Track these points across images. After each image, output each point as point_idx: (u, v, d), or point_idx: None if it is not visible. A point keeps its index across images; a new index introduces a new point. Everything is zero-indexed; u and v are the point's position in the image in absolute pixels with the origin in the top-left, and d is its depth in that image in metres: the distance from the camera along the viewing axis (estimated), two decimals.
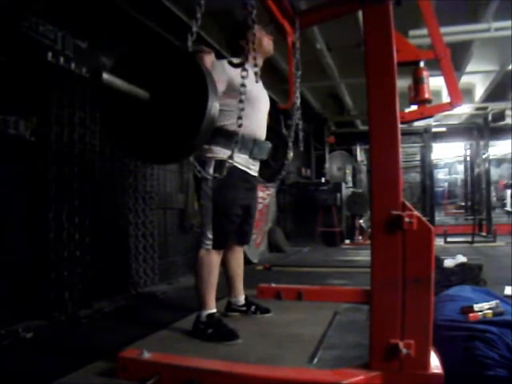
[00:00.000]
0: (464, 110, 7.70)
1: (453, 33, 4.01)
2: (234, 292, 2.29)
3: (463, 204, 13.45)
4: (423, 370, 1.32)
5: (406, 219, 1.33)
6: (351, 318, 2.21)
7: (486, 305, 1.62)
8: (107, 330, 2.35)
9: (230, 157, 1.68)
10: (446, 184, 17.20)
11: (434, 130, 8.97)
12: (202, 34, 3.67)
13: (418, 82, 2.58)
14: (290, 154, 2.26)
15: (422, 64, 2.56)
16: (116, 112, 1.45)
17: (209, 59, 2.06)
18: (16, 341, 2.09)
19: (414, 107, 2.65)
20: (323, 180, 7.82)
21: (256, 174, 2.14)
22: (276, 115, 2.50)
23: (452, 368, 1.35)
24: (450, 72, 2.57)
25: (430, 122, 8.31)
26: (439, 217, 11.35)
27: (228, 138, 1.87)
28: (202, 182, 1.96)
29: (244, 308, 2.28)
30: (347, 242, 7.29)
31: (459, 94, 2.59)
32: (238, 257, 2.29)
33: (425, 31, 2.85)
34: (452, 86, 2.59)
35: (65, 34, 2.64)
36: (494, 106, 7.54)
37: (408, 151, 12.27)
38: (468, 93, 6.95)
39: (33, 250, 2.46)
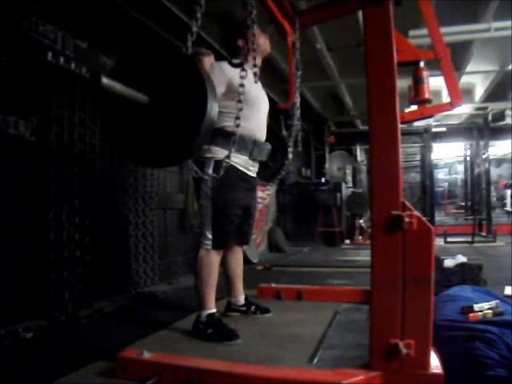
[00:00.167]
0: (464, 110, 7.69)
1: (453, 33, 4.01)
2: (234, 292, 2.29)
3: (463, 204, 13.45)
4: (423, 370, 1.32)
5: (406, 219, 1.33)
6: (351, 317, 2.21)
7: (486, 305, 1.62)
8: (107, 329, 2.35)
9: (228, 156, 1.67)
10: (446, 184, 17.19)
11: (433, 130, 8.96)
12: (202, 34, 3.66)
13: (417, 82, 2.58)
14: (290, 155, 2.26)
15: (422, 64, 2.56)
16: (116, 114, 1.45)
17: (208, 61, 2.06)
18: (16, 341, 2.09)
19: (414, 107, 2.65)
20: (323, 180, 7.82)
21: (255, 174, 2.14)
22: (276, 115, 2.50)
23: (452, 368, 1.35)
24: (450, 72, 2.57)
25: (430, 122, 8.30)
26: (439, 217, 11.35)
27: (227, 138, 1.85)
28: (202, 183, 1.96)
29: (244, 308, 2.28)
30: (347, 242, 7.29)
31: (459, 94, 2.59)
32: (237, 257, 2.29)
33: (425, 31, 2.85)
34: (452, 86, 2.59)
35: (65, 33, 2.64)
36: (494, 106, 7.53)
37: (408, 151, 12.27)
38: (468, 93, 6.94)
39: (33, 249, 2.46)
